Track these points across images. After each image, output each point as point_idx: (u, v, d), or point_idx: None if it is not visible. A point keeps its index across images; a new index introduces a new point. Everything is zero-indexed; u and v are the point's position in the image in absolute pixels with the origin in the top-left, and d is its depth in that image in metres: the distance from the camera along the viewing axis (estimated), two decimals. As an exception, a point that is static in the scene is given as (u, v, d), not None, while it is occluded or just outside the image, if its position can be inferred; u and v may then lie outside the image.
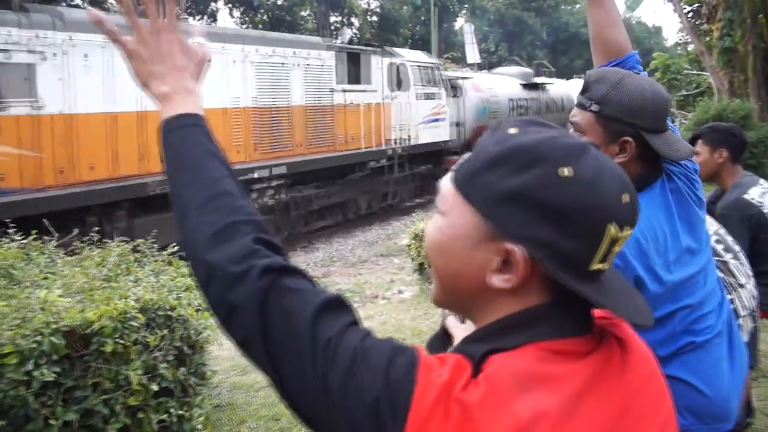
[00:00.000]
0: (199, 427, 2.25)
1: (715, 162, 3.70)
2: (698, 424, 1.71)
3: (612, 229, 0.74)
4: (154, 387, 2.06)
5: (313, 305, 0.77)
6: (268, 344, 0.77)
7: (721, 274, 2.14)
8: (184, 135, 0.90)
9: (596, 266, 0.75)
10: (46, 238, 3.06)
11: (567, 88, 23.23)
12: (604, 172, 0.74)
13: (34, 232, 2.91)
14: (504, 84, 18.81)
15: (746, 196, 3.58)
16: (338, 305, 0.79)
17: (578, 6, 58.78)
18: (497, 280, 0.77)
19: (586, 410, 0.75)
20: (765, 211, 3.56)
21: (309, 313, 0.76)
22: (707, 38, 13.66)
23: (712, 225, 2.61)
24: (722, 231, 2.67)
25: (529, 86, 19.89)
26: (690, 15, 14.04)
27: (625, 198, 0.75)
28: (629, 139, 1.62)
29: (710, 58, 13.17)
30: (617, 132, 1.64)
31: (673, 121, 13.57)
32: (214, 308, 0.81)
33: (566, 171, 0.73)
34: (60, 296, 2.11)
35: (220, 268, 0.79)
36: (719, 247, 2.46)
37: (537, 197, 0.73)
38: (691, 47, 16.61)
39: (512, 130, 0.78)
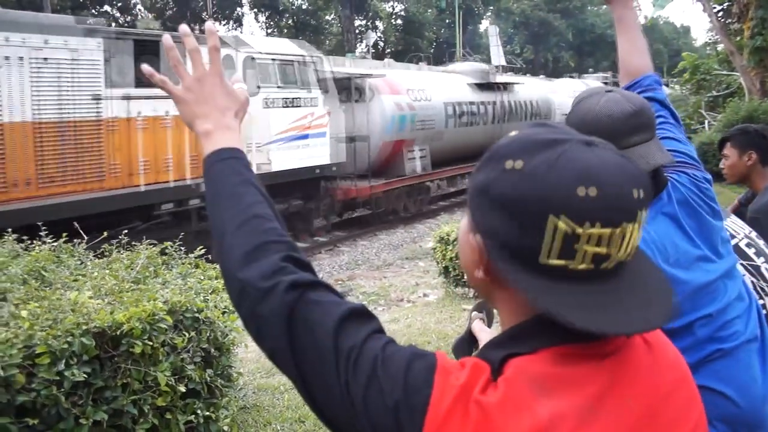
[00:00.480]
0: (225, 428, 2.27)
1: (744, 165, 3.64)
2: None
3: (560, 223, 0.72)
4: (182, 388, 2.08)
5: (336, 316, 0.80)
6: (294, 355, 0.80)
7: (752, 279, 2.10)
8: (223, 167, 0.97)
9: (554, 261, 0.74)
10: (76, 240, 3.11)
11: (543, 90, 19.85)
12: (562, 163, 0.73)
13: (64, 234, 2.96)
14: (443, 84, 15.03)
15: (778, 199, 3.52)
16: (361, 315, 0.82)
17: (604, 7, 58.14)
18: (478, 272, 0.81)
19: (608, 413, 0.75)
20: (798, 214, 3.49)
21: (332, 323, 0.79)
22: (738, 38, 13.42)
23: (743, 228, 2.57)
24: (753, 234, 2.62)
25: (484, 86, 16.17)
26: (720, 14, 13.81)
27: (587, 192, 0.72)
28: None
29: (741, 57, 12.93)
30: None
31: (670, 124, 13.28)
32: (245, 322, 0.87)
33: (514, 164, 0.75)
34: (90, 298, 2.15)
35: (251, 285, 0.84)
36: (750, 251, 2.42)
37: (490, 189, 0.77)
38: (720, 47, 16.34)
39: (513, 132, 0.81)
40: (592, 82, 27.80)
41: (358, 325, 0.80)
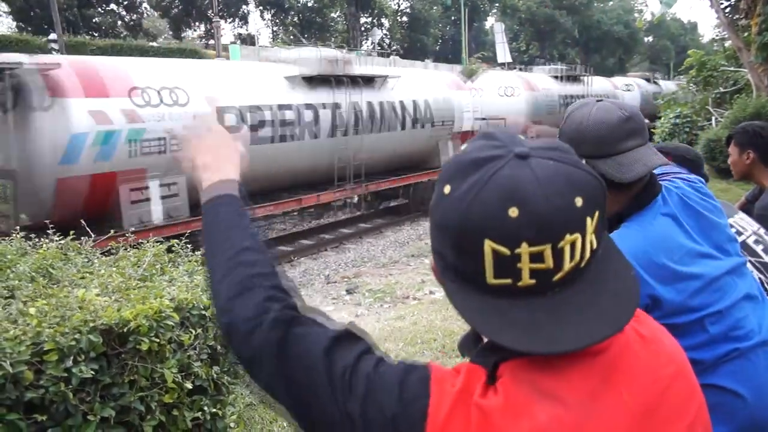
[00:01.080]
0: (232, 425, 2.28)
1: (744, 163, 3.65)
2: None
3: (495, 246, 0.73)
4: (188, 385, 2.09)
5: (323, 344, 0.83)
6: (289, 388, 0.83)
7: (760, 276, 2.10)
8: (216, 211, 1.01)
9: (497, 281, 0.75)
10: (83, 238, 3.12)
11: (412, 83, 13.27)
12: (489, 185, 0.73)
13: (71, 232, 2.98)
14: (231, 78, 9.71)
15: (785, 196, 3.51)
16: (348, 338, 0.85)
17: (611, 3, 58.02)
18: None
19: (605, 408, 0.76)
20: (805, 211, 3.48)
21: (320, 351, 0.82)
22: (745, 34, 13.34)
23: (751, 225, 2.56)
24: (762, 231, 2.61)
25: (314, 80, 10.79)
26: (727, 10, 13.74)
27: (513, 212, 0.72)
28: None
29: (748, 54, 12.87)
30: None
31: (680, 129, 13.32)
32: (240, 363, 0.93)
33: (446, 189, 0.77)
34: (97, 295, 2.16)
35: (235, 327, 0.89)
36: (759, 248, 2.41)
37: (433, 213, 0.79)
38: (728, 43, 16.26)
39: (463, 147, 0.84)
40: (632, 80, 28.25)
41: (348, 348, 0.83)
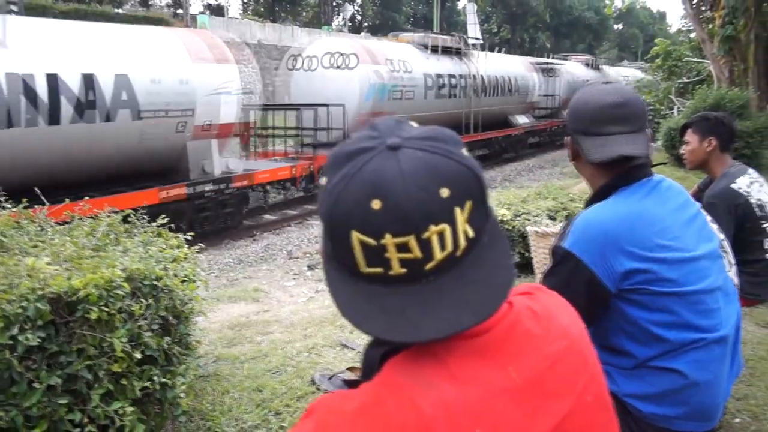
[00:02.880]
0: (182, 395, 2.29)
1: (704, 150, 3.74)
2: (687, 421, 1.75)
3: (361, 237, 0.75)
4: (138, 355, 2.09)
5: None
6: None
7: None
8: None
9: (369, 270, 0.77)
10: (37, 206, 3.07)
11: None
12: (356, 178, 0.75)
13: (24, 200, 2.93)
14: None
15: (734, 186, 3.62)
16: None
17: (583, -11, 58.24)
18: None
19: (491, 387, 0.79)
20: (752, 200, 3.60)
21: None
22: (710, 26, 13.57)
23: (704, 213, 2.64)
24: (708, 219, 2.69)
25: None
26: (694, 1, 13.94)
27: (375, 204, 0.74)
28: (568, 138, 1.93)
29: (711, 46, 13.10)
30: (567, 133, 1.95)
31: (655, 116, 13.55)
32: None
33: (323, 180, 0.79)
34: (48, 264, 2.14)
35: None
36: (704, 235, 2.48)
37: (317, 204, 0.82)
38: (693, 35, 16.53)
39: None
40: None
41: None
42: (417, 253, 0.75)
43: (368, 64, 13.81)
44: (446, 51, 17.07)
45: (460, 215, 0.77)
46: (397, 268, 0.76)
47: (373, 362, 0.85)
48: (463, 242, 0.78)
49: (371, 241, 0.75)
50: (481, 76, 18.02)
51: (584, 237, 1.76)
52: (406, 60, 15.15)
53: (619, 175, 1.83)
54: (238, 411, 2.64)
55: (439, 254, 0.76)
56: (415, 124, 0.83)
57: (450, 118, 15.97)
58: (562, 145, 17.01)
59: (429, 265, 0.77)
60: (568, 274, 1.75)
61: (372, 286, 0.78)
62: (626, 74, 31.34)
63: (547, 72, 23.09)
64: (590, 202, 1.91)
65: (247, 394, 2.78)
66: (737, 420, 2.46)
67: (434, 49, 16.55)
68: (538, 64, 22.91)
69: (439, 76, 16.19)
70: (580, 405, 0.86)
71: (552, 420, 0.82)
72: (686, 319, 1.71)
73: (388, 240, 0.74)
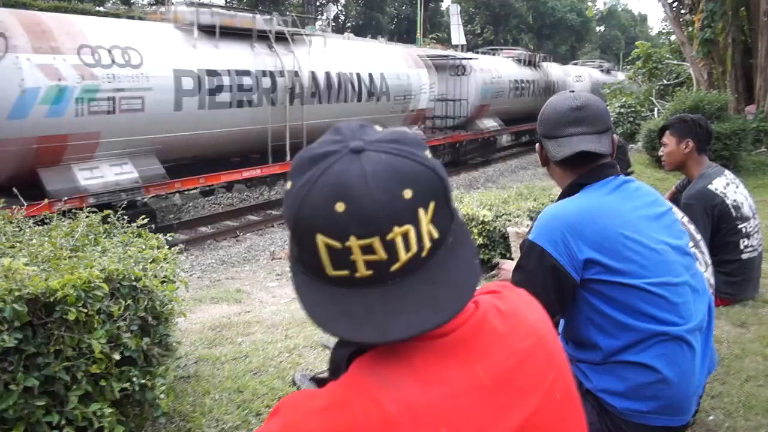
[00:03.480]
0: (162, 396, 2.28)
1: (682, 152, 3.80)
2: (660, 416, 1.79)
3: (326, 240, 0.76)
4: (117, 356, 2.08)
5: None
6: None
7: None
8: None
9: (336, 273, 0.78)
10: (14, 206, 3.05)
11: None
12: (320, 181, 0.76)
13: (1, 200, 2.90)
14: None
15: (710, 187, 3.68)
16: None
17: (565, -9, 58.64)
18: None
19: (456, 387, 0.80)
20: (728, 201, 3.66)
21: None
22: (689, 29, 13.75)
23: (677, 213, 2.69)
24: (685, 219, 2.74)
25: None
26: (674, 4, 14.11)
27: (340, 207, 0.75)
28: (538, 145, 2.07)
29: (691, 48, 13.28)
30: (538, 140, 2.07)
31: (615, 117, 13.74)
32: None
33: (288, 185, 0.80)
34: (26, 265, 2.12)
35: None
36: (682, 237, 2.52)
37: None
38: (673, 37, 16.72)
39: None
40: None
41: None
42: (382, 254, 0.76)
43: (479, 72, 18.66)
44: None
45: (424, 216, 0.78)
46: (362, 270, 0.77)
47: (340, 362, 0.87)
48: (427, 243, 0.79)
49: (336, 243, 0.76)
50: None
51: (547, 228, 1.84)
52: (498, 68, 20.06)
53: (583, 174, 1.94)
54: (218, 412, 2.63)
55: (404, 255, 0.77)
56: (379, 128, 0.84)
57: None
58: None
59: (394, 267, 0.78)
60: (535, 264, 1.83)
61: (339, 289, 0.79)
62: (579, 73, 28.08)
63: (449, 69, 18.23)
64: (558, 201, 2.00)
65: (227, 394, 2.77)
66: (711, 417, 2.50)
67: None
68: (431, 58, 17.16)
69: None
70: (548, 401, 0.87)
71: (519, 417, 0.83)
72: (649, 311, 1.76)
73: (353, 242, 0.75)
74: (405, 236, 0.77)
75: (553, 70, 25.39)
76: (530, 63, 22.83)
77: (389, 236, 0.76)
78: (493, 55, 23.26)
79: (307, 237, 0.78)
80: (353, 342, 0.82)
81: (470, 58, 19.02)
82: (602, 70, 28.93)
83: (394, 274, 0.78)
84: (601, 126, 1.92)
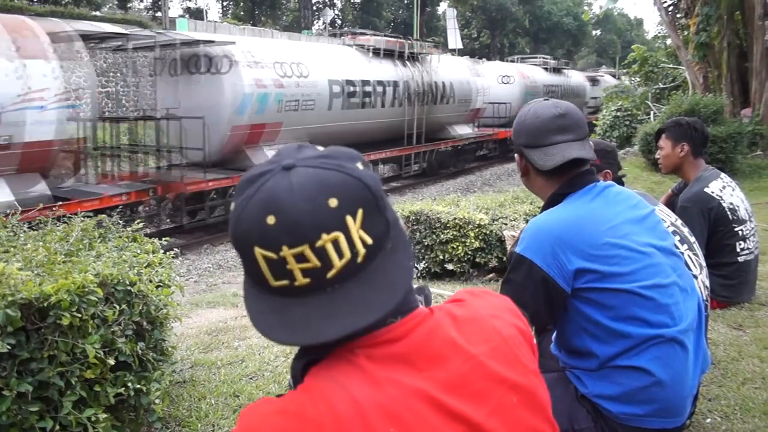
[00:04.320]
0: (157, 401, 2.27)
1: (677, 156, 3.80)
2: (656, 418, 1.78)
3: (262, 252, 0.81)
4: (111, 361, 2.06)
5: None
6: None
7: None
8: None
9: (278, 283, 0.83)
10: (10, 212, 3.03)
11: (465, 71, 19.37)
12: (254, 198, 0.82)
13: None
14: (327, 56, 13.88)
15: (707, 190, 3.69)
16: None
17: (561, -5, 58.84)
18: None
19: (404, 390, 0.83)
20: (724, 204, 3.67)
21: None
22: (685, 33, 13.79)
23: (669, 216, 2.69)
24: (679, 222, 2.74)
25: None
26: (670, 8, 14.15)
27: (270, 220, 0.80)
28: (517, 156, 2.03)
29: (686, 52, 13.31)
30: (515, 151, 2.05)
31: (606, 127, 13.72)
32: None
33: (231, 205, 0.85)
34: (19, 269, 2.11)
35: None
36: (675, 239, 2.53)
37: None
38: (669, 41, 16.77)
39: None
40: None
41: None
42: (315, 261, 0.81)
43: (522, 79, 22.87)
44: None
45: (353, 223, 0.82)
46: (300, 279, 0.82)
47: (296, 373, 0.91)
48: (361, 249, 0.83)
49: (271, 254, 0.81)
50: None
51: (535, 240, 1.83)
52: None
53: (565, 183, 1.93)
54: (214, 417, 2.62)
55: (337, 261, 0.82)
56: (320, 148, 0.89)
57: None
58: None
59: (330, 273, 0.82)
60: (524, 278, 1.82)
61: (283, 299, 0.84)
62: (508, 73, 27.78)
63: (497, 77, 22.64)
64: (542, 212, 1.99)
65: (223, 399, 2.76)
66: (708, 420, 2.50)
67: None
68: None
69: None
70: (504, 405, 0.89)
71: (471, 420, 0.86)
72: (642, 314, 1.76)
73: (286, 252, 0.80)
74: (335, 243, 0.81)
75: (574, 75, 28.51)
76: (556, 69, 26.81)
77: (318, 243, 0.80)
78: (522, 62, 26.91)
79: (246, 251, 0.83)
80: (308, 353, 0.89)
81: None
82: (546, 69, 26.61)
83: (332, 280, 0.82)
84: (583, 132, 1.94)
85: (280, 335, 0.83)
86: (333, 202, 0.80)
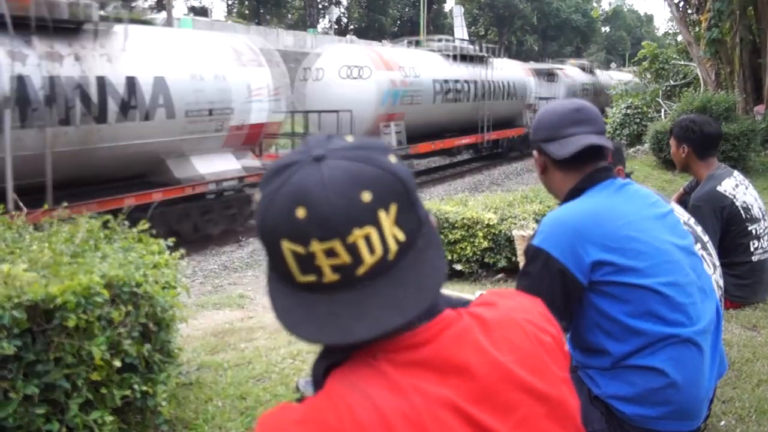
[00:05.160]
0: (164, 403, 2.25)
1: (681, 156, 3.78)
2: (671, 421, 1.76)
3: (290, 246, 0.78)
4: (117, 363, 2.05)
5: None
6: None
7: None
8: None
9: (305, 279, 0.79)
10: (14, 213, 3.03)
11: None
12: (281, 190, 0.78)
13: (0, 206, 2.89)
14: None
15: (719, 188, 3.64)
16: None
17: (570, -8, 58.56)
18: None
19: (429, 397, 0.79)
20: (737, 203, 3.62)
21: None
22: (696, 29, 13.67)
23: (682, 215, 2.66)
24: (692, 221, 2.70)
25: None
26: (680, 4, 14.03)
27: (300, 213, 0.77)
28: (535, 154, 2.05)
29: (698, 49, 13.19)
30: (533, 150, 2.07)
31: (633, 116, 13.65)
32: None
33: (257, 196, 0.83)
34: (25, 271, 2.10)
35: None
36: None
37: None
38: (679, 38, 16.63)
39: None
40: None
41: None
42: (345, 258, 0.78)
43: (564, 78, 25.69)
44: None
45: (386, 218, 0.79)
46: (329, 275, 0.78)
47: (317, 375, 0.87)
48: (393, 245, 0.80)
49: (300, 249, 0.77)
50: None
51: (552, 233, 1.83)
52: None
53: (584, 178, 1.94)
54: (221, 419, 2.61)
55: (369, 258, 0.78)
56: (350, 138, 0.86)
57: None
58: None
59: (360, 270, 0.79)
60: (541, 270, 1.81)
61: (311, 295, 0.80)
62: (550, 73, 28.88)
63: (544, 76, 25.02)
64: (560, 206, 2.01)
65: (230, 401, 2.75)
66: (723, 423, 2.46)
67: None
68: (532, 68, 24.73)
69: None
70: (530, 417, 0.86)
71: (497, 431, 0.82)
72: (658, 311, 1.74)
73: (315, 246, 0.77)
74: (367, 238, 0.78)
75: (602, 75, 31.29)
76: (590, 70, 29.93)
77: (350, 239, 0.77)
78: (563, 63, 30.12)
79: (273, 245, 0.80)
80: (330, 354, 0.85)
81: (559, 68, 26.47)
82: (583, 69, 30.52)
83: (363, 277, 0.79)
84: (599, 126, 1.96)
85: (308, 332, 0.80)
86: (366, 196, 0.77)
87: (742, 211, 3.60)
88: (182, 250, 2.92)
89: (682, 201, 4.18)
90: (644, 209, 1.87)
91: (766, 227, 3.69)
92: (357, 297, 0.79)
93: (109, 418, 2.02)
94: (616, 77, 30.17)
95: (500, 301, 0.95)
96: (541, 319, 0.96)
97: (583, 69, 29.16)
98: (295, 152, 0.83)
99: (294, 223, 0.77)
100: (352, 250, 0.77)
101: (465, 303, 0.94)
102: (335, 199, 0.76)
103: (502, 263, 5.11)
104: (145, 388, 2.17)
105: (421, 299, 0.81)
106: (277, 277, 0.83)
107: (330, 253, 0.77)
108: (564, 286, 1.77)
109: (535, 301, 1.01)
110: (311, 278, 0.79)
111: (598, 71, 31.35)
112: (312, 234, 0.77)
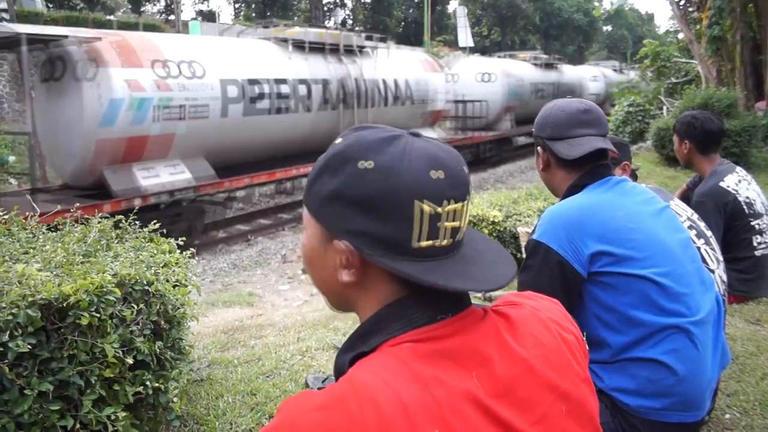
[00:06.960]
0: (175, 399, 2.28)
1: (683, 152, 3.80)
2: (675, 412, 1.78)
3: (424, 206, 0.80)
4: (130, 360, 2.08)
5: None
6: None
7: None
8: None
9: (424, 243, 0.82)
10: (28, 213, 3.06)
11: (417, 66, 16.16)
12: (410, 154, 0.82)
13: (15, 207, 2.93)
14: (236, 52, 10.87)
15: (722, 184, 3.66)
16: None
17: (572, -9, 58.48)
18: (344, 275, 0.86)
19: (452, 390, 0.79)
20: (740, 198, 3.64)
21: None
22: (697, 26, 13.66)
23: (685, 210, 2.68)
24: (695, 217, 2.72)
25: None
26: (681, 2, 14.02)
27: (437, 174, 0.81)
28: (539, 149, 2.10)
29: (699, 46, 13.18)
30: (537, 145, 2.12)
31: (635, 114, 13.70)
32: None
33: (366, 164, 0.82)
34: (39, 270, 2.13)
35: None
36: (692, 233, 2.51)
37: (348, 194, 0.82)
38: (681, 35, 16.62)
39: (338, 140, 0.89)
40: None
41: None
42: (460, 221, 0.84)
43: (505, 77, 20.60)
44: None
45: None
46: (444, 238, 0.83)
47: (341, 367, 0.87)
48: (465, 222, 0.87)
49: (433, 208, 0.81)
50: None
51: (551, 226, 1.87)
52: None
53: (583, 175, 2.00)
54: (232, 415, 2.64)
55: (464, 226, 0.86)
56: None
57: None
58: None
59: (459, 236, 0.85)
60: (540, 263, 1.85)
61: (423, 262, 0.83)
62: (594, 73, 28.97)
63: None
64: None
65: (240, 397, 2.78)
66: (727, 416, 2.48)
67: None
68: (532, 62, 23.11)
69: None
70: (552, 413, 0.86)
71: (515, 428, 0.82)
72: (657, 301, 1.76)
73: (446, 207, 0.82)
74: (468, 207, 0.86)
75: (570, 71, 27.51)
76: (548, 65, 24.94)
77: (463, 204, 0.84)
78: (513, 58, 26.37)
79: (403, 207, 0.80)
80: (354, 347, 0.86)
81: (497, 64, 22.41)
82: (615, 70, 30.59)
83: (458, 244, 0.86)
84: (605, 129, 2.02)
85: (462, 283, 0.83)
86: (466, 170, 0.86)
87: (745, 207, 3.62)
88: (192, 249, 2.96)
89: (686, 197, 4.20)
90: (641, 204, 1.92)
91: (769, 222, 3.71)
92: (459, 261, 0.85)
93: (121, 414, 2.05)
94: (590, 73, 28.22)
95: (523, 301, 0.97)
96: (564, 318, 0.98)
97: (538, 64, 23.96)
98: (378, 130, 0.87)
99: (432, 183, 0.81)
100: (463, 215, 0.84)
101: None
102: (459, 166, 0.85)
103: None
104: (157, 384, 2.20)
105: (510, 266, 0.88)
106: (384, 250, 0.82)
107: (452, 216, 0.82)
108: (563, 278, 1.80)
109: (555, 301, 1.02)
110: (428, 243, 0.82)
111: (565, 67, 26.63)
112: (447, 194, 0.81)
